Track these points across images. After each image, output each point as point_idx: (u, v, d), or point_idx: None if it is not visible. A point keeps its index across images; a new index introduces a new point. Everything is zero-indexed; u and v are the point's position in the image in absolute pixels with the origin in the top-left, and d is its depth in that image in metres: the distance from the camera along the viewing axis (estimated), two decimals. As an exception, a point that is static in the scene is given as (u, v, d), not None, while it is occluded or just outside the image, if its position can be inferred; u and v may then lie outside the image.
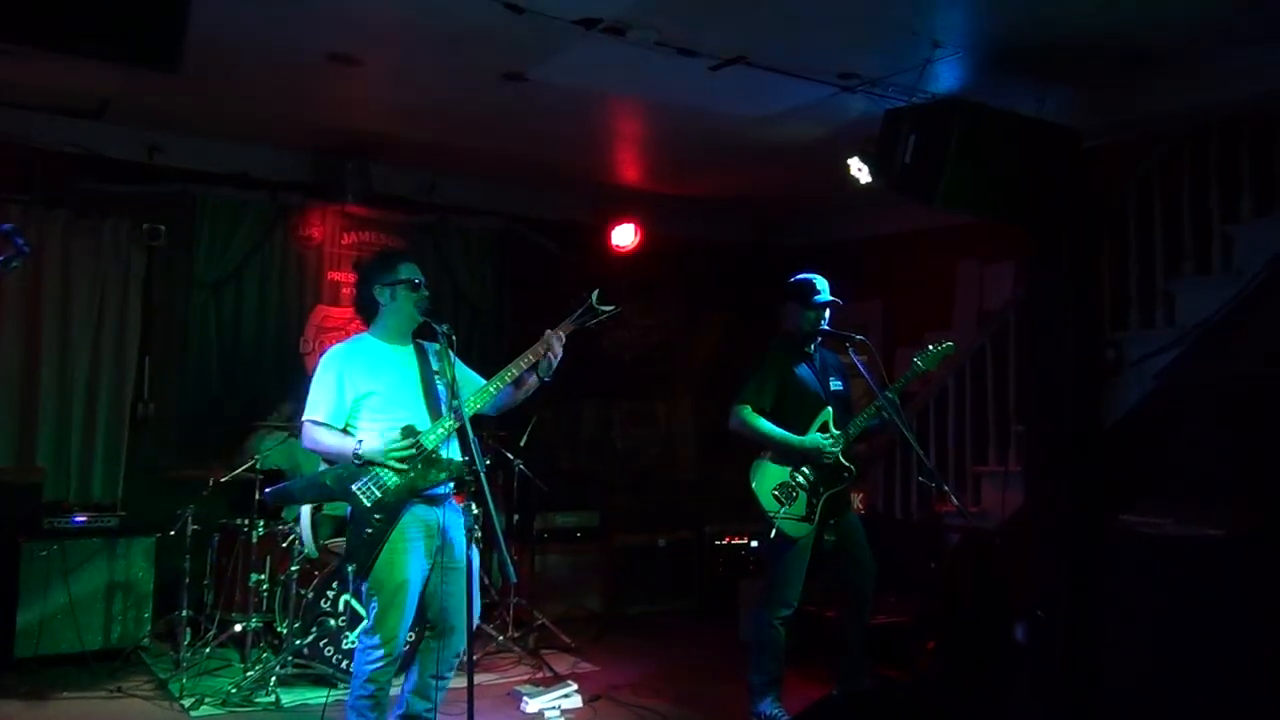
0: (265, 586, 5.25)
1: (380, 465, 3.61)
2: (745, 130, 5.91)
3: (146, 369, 6.26)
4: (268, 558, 5.30)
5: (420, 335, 3.92)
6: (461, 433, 3.58)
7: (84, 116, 5.93)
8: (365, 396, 3.73)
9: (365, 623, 3.72)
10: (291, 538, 5.29)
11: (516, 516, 6.57)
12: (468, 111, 5.76)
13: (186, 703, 4.75)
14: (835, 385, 4.68)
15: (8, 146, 5.84)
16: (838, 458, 4.48)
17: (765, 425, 4.49)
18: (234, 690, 4.82)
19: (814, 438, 4.47)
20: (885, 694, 4.60)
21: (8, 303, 5.86)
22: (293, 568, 5.15)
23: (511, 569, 3.66)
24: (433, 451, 3.65)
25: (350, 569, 3.63)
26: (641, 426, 8.20)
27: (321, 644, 4.98)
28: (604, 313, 3.88)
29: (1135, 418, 5.05)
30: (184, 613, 5.23)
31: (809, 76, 4.94)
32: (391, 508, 3.62)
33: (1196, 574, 4.08)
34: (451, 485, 3.77)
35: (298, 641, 4.95)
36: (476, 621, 3.85)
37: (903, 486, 6.58)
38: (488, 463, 3.73)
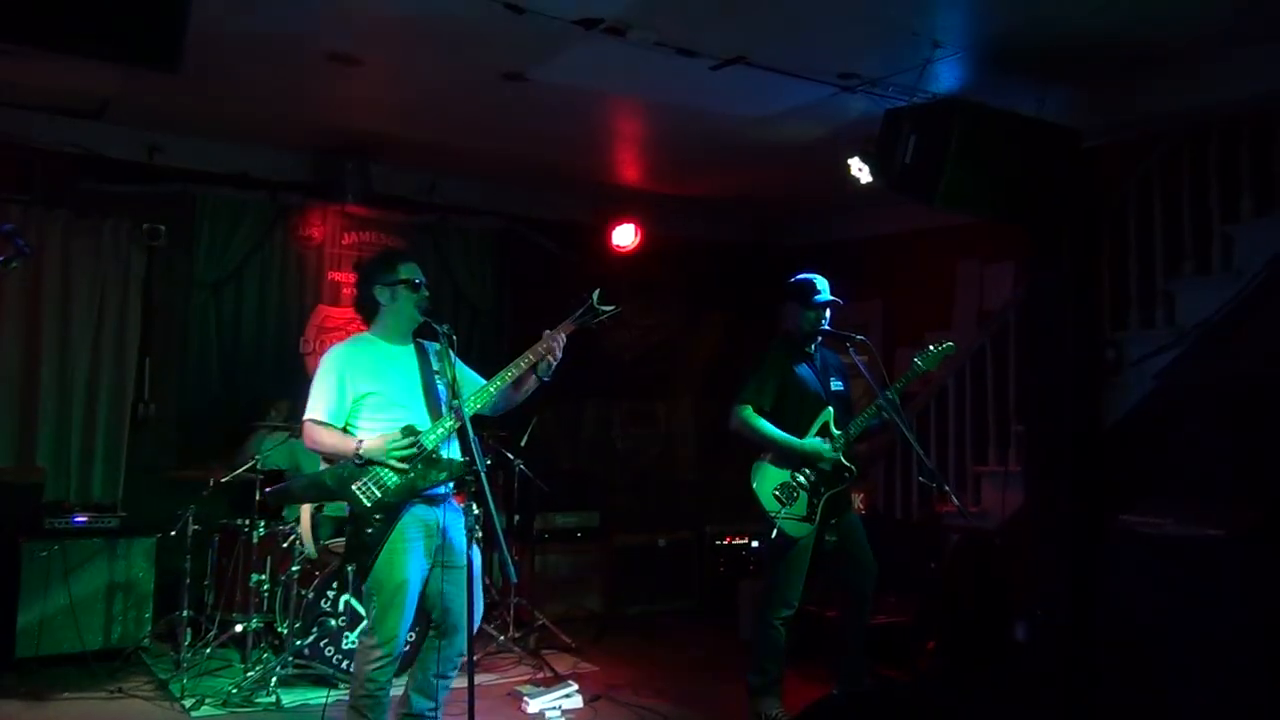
0: (266, 587, 5.25)
1: (381, 465, 3.61)
2: (745, 130, 5.91)
3: (146, 369, 6.26)
4: (268, 558, 5.30)
5: (421, 335, 3.92)
6: (462, 433, 3.58)
7: (84, 116, 5.93)
8: (365, 396, 3.73)
9: (365, 623, 3.72)
10: (292, 538, 5.29)
11: (517, 516, 6.57)
12: (468, 111, 5.76)
13: (187, 703, 4.75)
14: (836, 385, 4.68)
15: (8, 146, 5.84)
16: (838, 459, 4.48)
17: (765, 427, 4.49)
18: (234, 690, 4.82)
19: (814, 442, 4.47)
20: (885, 694, 4.60)
21: (8, 303, 5.86)
22: (293, 568, 5.15)
23: (512, 569, 3.66)
24: (433, 451, 3.65)
25: (350, 569, 3.63)
26: (641, 426, 8.20)
27: (322, 644, 4.98)
28: (605, 313, 3.88)
29: (1135, 418, 5.05)
30: (184, 613, 5.22)
31: (809, 76, 4.94)
32: (391, 508, 3.62)
33: (1196, 574, 4.08)
34: (451, 485, 3.77)
35: (298, 642, 4.95)
36: (479, 622, 3.85)
37: (903, 486, 6.58)
38: (488, 463, 3.73)
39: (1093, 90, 4.99)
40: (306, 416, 3.72)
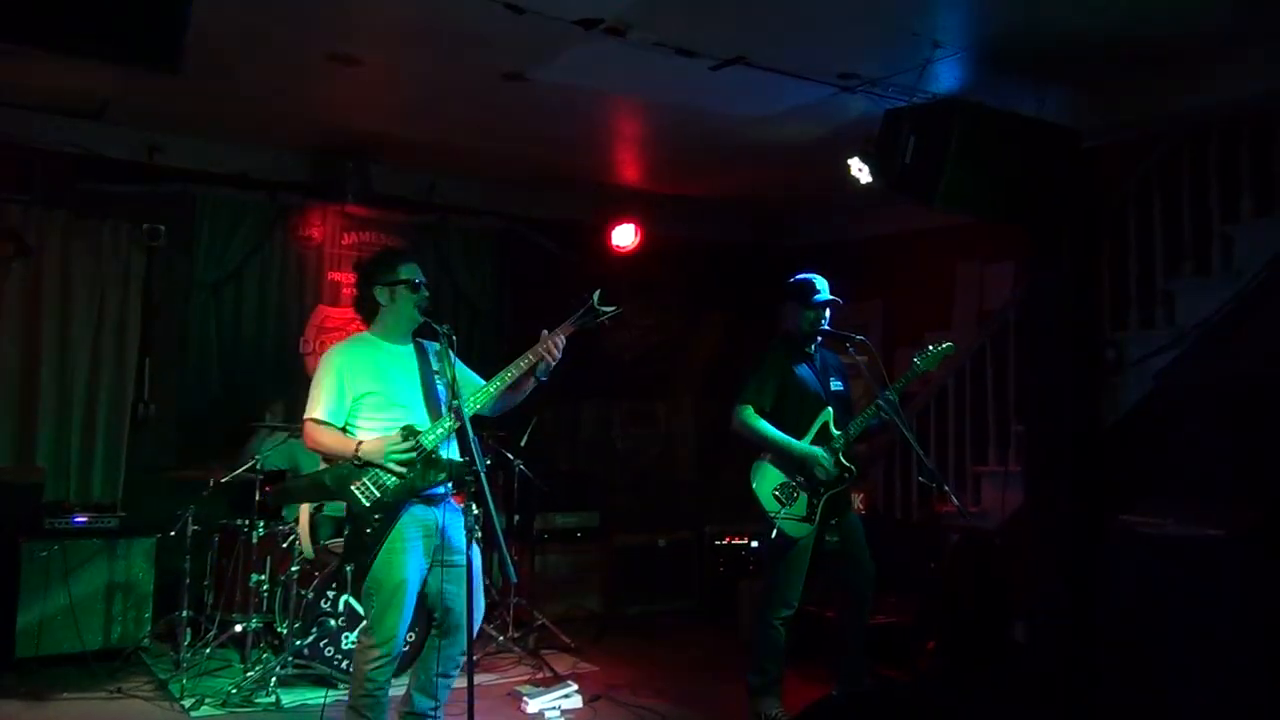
0: (265, 587, 5.25)
1: (379, 468, 3.62)
2: (745, 130, 5.91)
3: (146, 369, 6.25)
4: (268, 558, 5.30)
5: (420, 335, 3.92)
6: (461, 433, 3.58)
7: (84, 116, 5.92)
8: (365, 395, 3.72)
9: (364, 622, 3.72)
10: (291, 538, 5.29)
11: (516, 517, 6.56)
12: (468, 111, 5.76)
13: (187, 703, 4.75)
14: (835, 385, 4.67)
15: (8, 146, 5.84)
16: (837, 459, 4.47)
17: (765, 429, 4.48)
18: (234, 691, 4.82)
19: (812, 449, 4.46)
20: (885, 694, 4.59)
21: (8, 303, 5.87)
22: (293, 568, 5.14)
23: (511, 569, 3.66)
24: (432, 451, 3.65)
25: (349, 569, 3.63)
26: (641, 426, 8.20)
27: (321, 644, 4.98)
28: (606, 313, 3.87)
29: (1135, 418, 5.05)
30: (184, 613, 5.23)
31: (809, 76, 4.94)
32: (390, 508, 3.62)
33: (1196, 574, 4.08)
34: (450, 485, 3.77)
35: (298, 642, 4.95)
36: (479, 622, 3.85)
37: (903, 486, 6.59)
38: (488, 463, 3.72)
39: (1092, 90, 4.99)
40: (306, 416, 3.72)
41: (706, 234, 8.21)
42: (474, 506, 3.49)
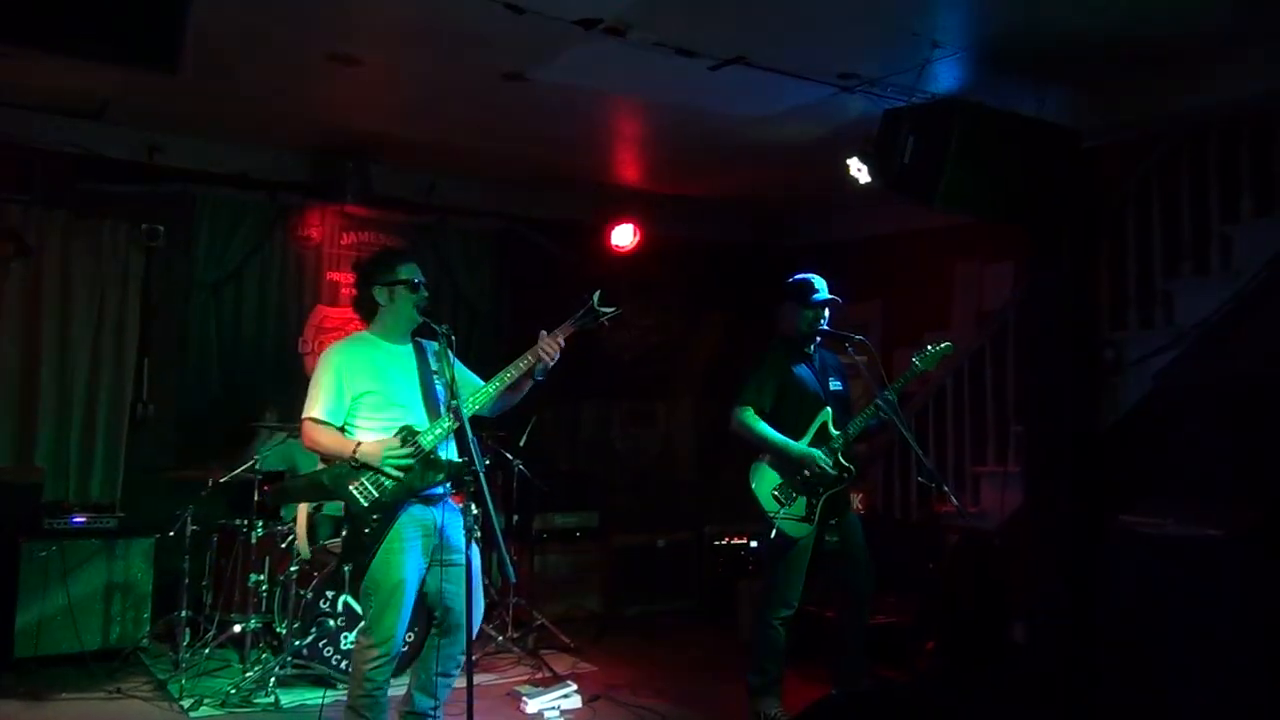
0: (264, 587, 5.25)
1: (377, 471, 3.61)
2: (745, 130, 5.91)
3: (146, 369, 6.25)
4: (267, 558, 5.30)
5: (419, 335, 3.92)
6: (460, 433, 3.58)
7: (84, 116, 5.92)
8: (364, 395, 3.72)
9: (362, 622, 3.72)
10: (290, 538, 5.29)
11: (516, 517, 6.56)
12: (468, 111, 5.76)
13: (186, 703, 4.75)
14: (835, 385, 4.67)
15: (8, 146, 5.84)
16: (836, 459, 4.47)
17: (765, 430, 4.48)
18: (233, 691, 4.82)
19: (810, 450, 4.46)
20: (885, 694, 4.59)
21: (8, 303, 5.87)
22: (292, 568, 5.14)
23: (511, 569, 3.66)
24: (430, 452, 3.65)
25: (347, 569, 3.63)
26: (641, 426, 8.20)
27: (320, 644, 4.97)
28: (605, 314, 3.87)
29: (1135, 418, 5.05)
30: (183, 613, 5.23)
31: (809, 76, 4.94)
32: (388, 508, 3.61)
33: (1196, 574, 4.08)
34: (449, 485, 3.77)
35: (297, 642, 4.95)
36: (479, 622, 3.84)
37: (902, 487, 6.58)
38: (487, 463, 3.72)
39: (1092, 90, 4.99)
40: (305, 415, 3.72)
41: (706, 234, 8.21)
42: (473, 506, 3.49)
